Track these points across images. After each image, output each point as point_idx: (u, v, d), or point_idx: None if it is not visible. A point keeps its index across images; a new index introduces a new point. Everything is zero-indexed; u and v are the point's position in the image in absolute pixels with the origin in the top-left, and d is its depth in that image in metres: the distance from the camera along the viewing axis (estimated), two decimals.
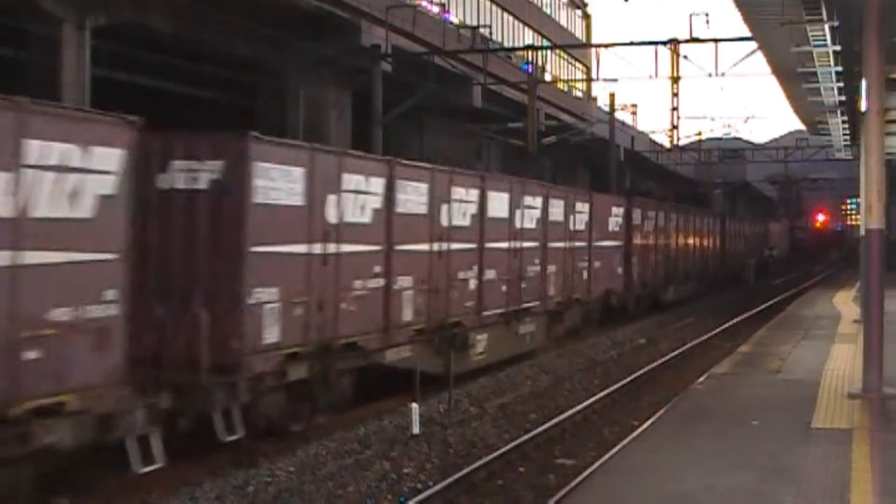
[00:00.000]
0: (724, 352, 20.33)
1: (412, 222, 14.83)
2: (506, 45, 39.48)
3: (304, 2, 24.41)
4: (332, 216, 12.71)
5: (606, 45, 31.22)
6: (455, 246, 16.21)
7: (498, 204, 18.05)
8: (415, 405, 12.93)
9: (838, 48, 16.96)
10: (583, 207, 23.41)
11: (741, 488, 8.49)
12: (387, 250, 14.05)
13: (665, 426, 11.44)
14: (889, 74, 15.11)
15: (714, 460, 9.48)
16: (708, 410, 12.16)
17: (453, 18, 34.63)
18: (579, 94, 52.67)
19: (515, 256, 18.76)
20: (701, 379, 14.93)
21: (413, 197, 14.87)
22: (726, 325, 26.84)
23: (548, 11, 47.87)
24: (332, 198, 12.71)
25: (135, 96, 22.52)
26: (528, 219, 19.52)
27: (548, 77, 44.27)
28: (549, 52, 44.29)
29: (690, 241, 37.33)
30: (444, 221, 15.89)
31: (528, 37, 43.70)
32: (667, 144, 49.86)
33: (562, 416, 13.91)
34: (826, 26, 15.48)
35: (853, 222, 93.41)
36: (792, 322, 23.87)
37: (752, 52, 22.05)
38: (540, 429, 13.10)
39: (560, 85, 48.14)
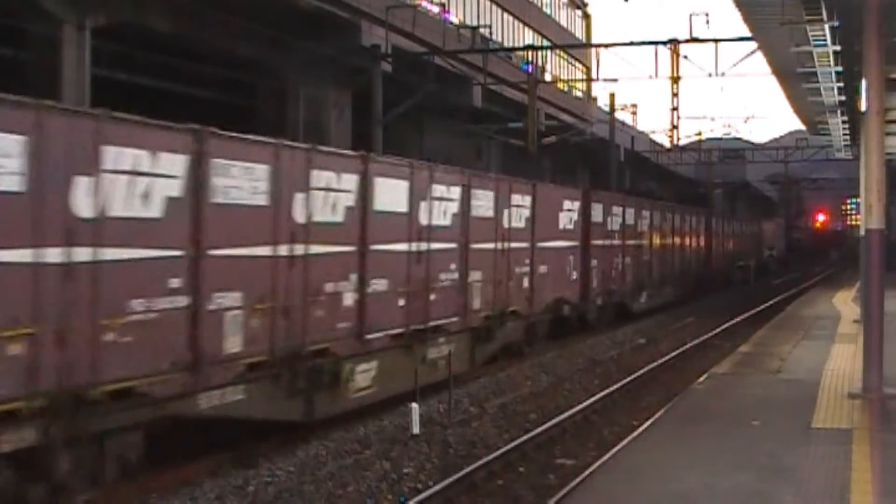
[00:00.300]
0: (724, 352, 20.32)
1: (242, 218, 10.84)
2: (506, 45, 39.51)
3: (304, 2, 24.44)
4: (82, 208, 8.93)
5: (606, 45, 31.24)
6: (318, 249, 12.11)
7: (391, 194, 13.93)
8: (415, 405, 12.92)
9: (838, 48, 16.96)
10: (522, 200, 19.12)
11: (741, 488, 8.48)
12: (193, 256, 10.18)
13: (665, 426, 11.44)
14: (889, 74, 15.12)
15: (714, 460, 9.47)
16: (708, 410, 12.16)
17: (453, 18, 34.66)
18: (579, 94, 52.70)
19: (420, 261, 14.72)
20: (701, 379, 14.92)
21: (246, 183, 10.90)
22: (726, 325, 26.81)
23: (548, 11, 47.91)
24: (82, 181, 8.96)
25: (135, 96, 22.57)
26: (440, 213, 15.44)
27: (548, 77, 44.30)
28: (549, 52, 44.33)
29: (668, 241, 33.65)
30: (300, 217, 11.84)
31: (528, 37, 43.73)
32: (667, 144, 49.90)
33: (562, 416, 13.89)
34: (826, 26, 15.48)
35: (853, 222, 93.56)
36: (792, 322, 23.86)
37: (752, 52, 22.08)
38: (540, 429, 13.08)
39: (560, 85, 48.17)
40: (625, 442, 11.17)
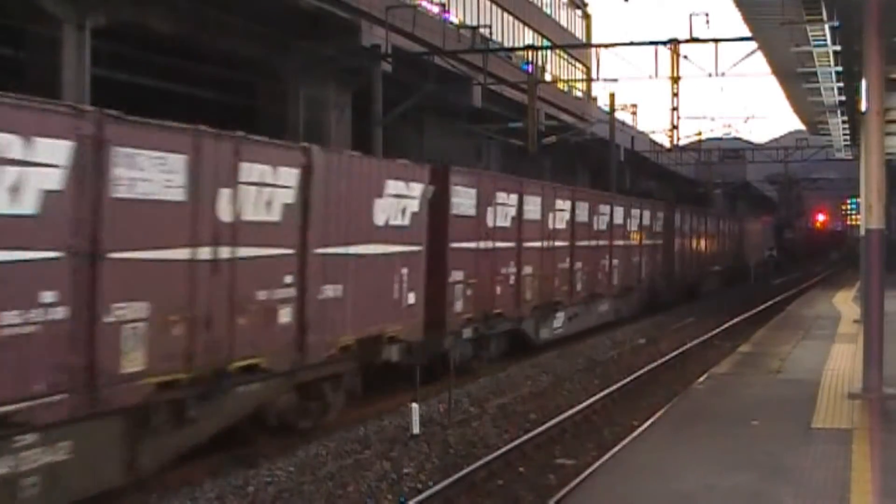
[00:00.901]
0: (724, 352, 20.33)
1: None
2: (506, 45, 39.51)
3: (304, 2, 24.43)
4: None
5: (606, 45, 31.19)
6: None
7: None
8: (415, 405, 12.93)
9: (838, 48, 16.97)
10: (275, 177, 11.22)
11: (741, 488, 8.49)
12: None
13: (665, 426, 11.44)
14: (889, 74, 15.11)
15: (714, 460, 9.47)
16: (708, 410, 12.16)
17: (453, 18, 34.66)
18: (579, 94, 52.71)
19: None
20: (701, 379, 14.92)
21: None
22: (726, 326, 26.83)
23: (548, 11, 47.92)
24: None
25: (135, 96, 22.59)
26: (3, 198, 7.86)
27: (548, 77, 44.30)
28: (549, 52, 44.33)
29: (604, 242, 25.61)
30: None
31: (528, 37, 43.74)
32: (667, 144, 49.86)
33: (562, 416, 13.90)
34: (826, 26, 15.48)
35: (853, 222, 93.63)
36: (792, 322, 23.86)
37: (752, 52, 22.07)
38: (540, 429, 13.09)
39: (560, 85, 48.18)
40: (625, 442, 11.18)
